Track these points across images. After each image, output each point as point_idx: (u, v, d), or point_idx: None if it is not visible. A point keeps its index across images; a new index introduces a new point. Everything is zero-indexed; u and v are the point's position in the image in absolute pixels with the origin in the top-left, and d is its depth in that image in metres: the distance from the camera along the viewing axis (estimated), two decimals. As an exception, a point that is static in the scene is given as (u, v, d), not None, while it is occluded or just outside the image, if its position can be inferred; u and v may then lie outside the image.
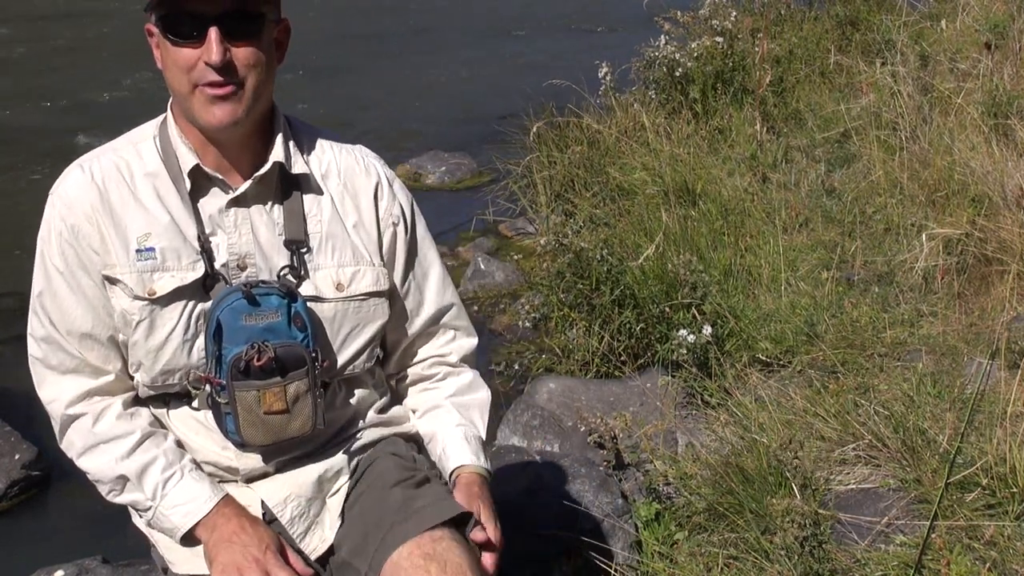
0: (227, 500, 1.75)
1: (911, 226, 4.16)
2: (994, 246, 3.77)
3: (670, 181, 4.83)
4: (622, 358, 3.83)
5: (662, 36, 6.31)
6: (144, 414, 1.79)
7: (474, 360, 2.03)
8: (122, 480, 1.73)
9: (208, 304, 1.72)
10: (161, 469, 1.73)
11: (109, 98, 8.56)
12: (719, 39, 6.05)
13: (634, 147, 5.42)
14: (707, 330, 3.40)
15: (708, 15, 6.46)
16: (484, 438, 1.95)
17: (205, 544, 1.72)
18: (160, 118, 1.80)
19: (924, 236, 3.95)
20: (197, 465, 1.79)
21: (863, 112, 5.25)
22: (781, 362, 3.54)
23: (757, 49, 5.92)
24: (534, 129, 5.83)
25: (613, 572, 2.66)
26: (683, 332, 3.44)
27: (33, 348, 1.76)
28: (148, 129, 1.80)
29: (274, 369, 1.69)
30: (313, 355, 1.72)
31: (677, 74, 6.00)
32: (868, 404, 2.95)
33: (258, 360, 1.67)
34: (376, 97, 8.88)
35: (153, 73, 8.93)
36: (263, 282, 1.73)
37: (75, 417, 1.75)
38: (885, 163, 4.68)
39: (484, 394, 2.00)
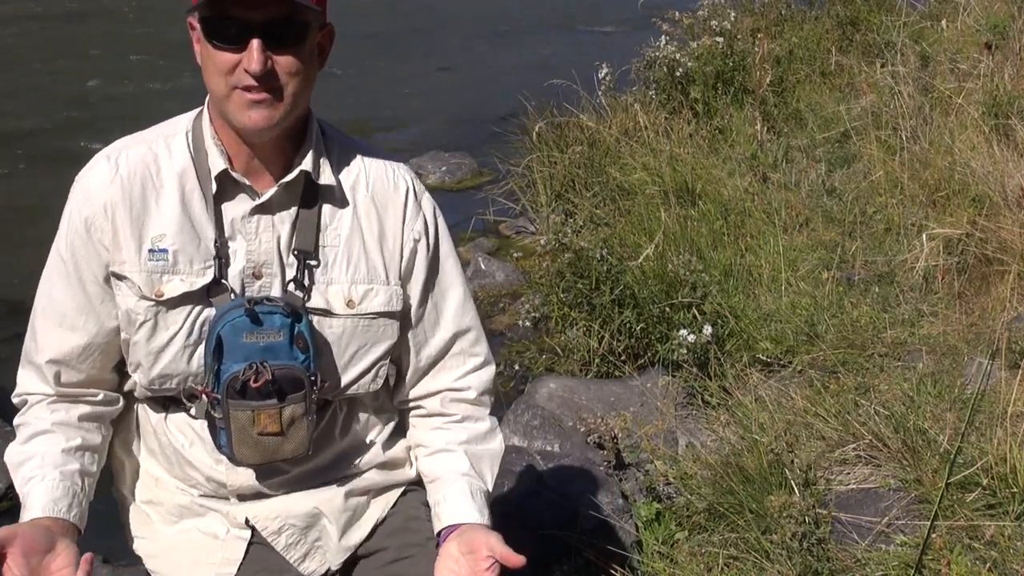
0: (42, 520, 1.62)
1: (911, 226, 4.16)
2: (994, 246, 3.77)
3: (670, 181, 4.83)
4: (622, 358, 3.82)
5: (662, 36, 6.32)
6: (62, 410, 1.73)
7: (492, 392, 1.92)
8: (10, 464, 1.72)
9: (213, 311, 1.69)
10: (30, 469, 1.68)
11: (110, 98, 8.56)
12: (719, 39, 6.05)
13: (634, 147, 5.41)
14: (707, 330, 3.40)
15: (707, 16, 6.46)
16: (490, 492, 1.86)
17: None
18: (194, 113, 1.77)
19: (924, 236, 3.96)
20: (70, 476, 1.68)
21: (863, 112, 5.25)
22: (781, 362, 3.54)
23: (757, 49, 5.92)
24: (534, 129, 5.83)
25: (613, 572, 2.65)
26: (683, 332, 3.44)
27: (29, 328, 1.76)
28: (182, 123, 1.75)
29: (271, 391, 1.66)
30: (312, 378, 1.69)
31: (677, 74, 5.99)
32: (868, 404, 2.95)
33: (255, 382, 1.64)
34: (376, 97, 8.88)
35: (155, 73, 8.95)
36: (268, 299, 1.68)
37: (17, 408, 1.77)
38: (885, 163, 4.68)
39: (497, 446, 1.91)
